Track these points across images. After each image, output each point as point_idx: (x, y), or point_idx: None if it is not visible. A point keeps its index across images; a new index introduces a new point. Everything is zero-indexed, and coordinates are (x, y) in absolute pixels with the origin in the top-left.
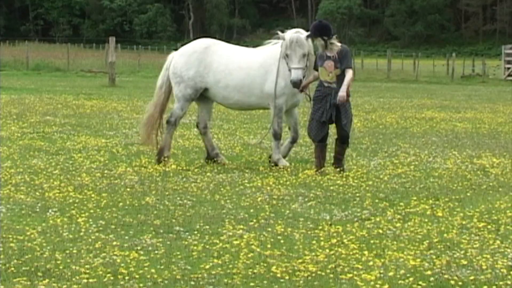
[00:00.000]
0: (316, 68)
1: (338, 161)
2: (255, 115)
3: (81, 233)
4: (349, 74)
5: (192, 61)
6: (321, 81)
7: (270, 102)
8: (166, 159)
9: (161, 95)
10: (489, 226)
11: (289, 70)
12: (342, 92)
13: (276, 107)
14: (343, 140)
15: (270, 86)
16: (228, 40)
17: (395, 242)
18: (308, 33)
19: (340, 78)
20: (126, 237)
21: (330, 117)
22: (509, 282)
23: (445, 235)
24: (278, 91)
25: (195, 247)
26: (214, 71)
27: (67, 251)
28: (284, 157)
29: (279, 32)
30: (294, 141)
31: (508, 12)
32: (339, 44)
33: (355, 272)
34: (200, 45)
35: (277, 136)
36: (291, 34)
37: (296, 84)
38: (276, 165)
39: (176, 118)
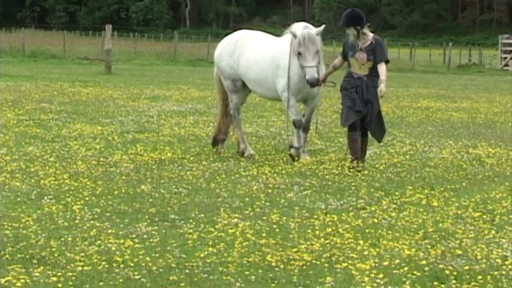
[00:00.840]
0: (345, 59)
1: (357, 153)
2: (251, 103)
3: (76, 221)
4: (384, 68)
5: (224, 53)
6: (350, 72)
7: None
8: (241, 152)
9: (216, 83)
10: (484, 216)
11: (303, 68)
12: (385, 88)
13: (284, 100)
14: (363, 133)
15: (278, 81)
16: (224, 28)
17: (390, 232)
18: (323, 26)
19: (371, 70)
20: (121, 225)
21: (361, 107)
22: (503, 272)
23: (440, 225)
24: (283, 86)
25: (190, 236)
26: (240, 64)
27: (62, 239)
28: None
29: (290, 29)
30: (304, 130)
31: (505, 1)
32: (371, 34)
33: (350, 261)
34: (234, 37)
35: (296, 124)
36: (301, 30)
37: (313, 83)
38: (293, 158)
39: (233, 110)
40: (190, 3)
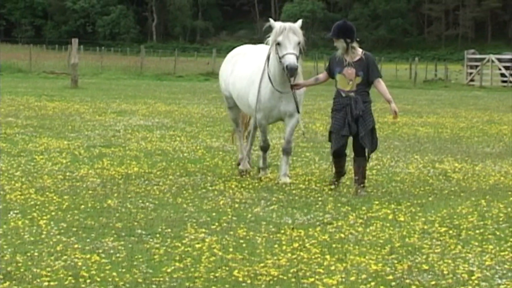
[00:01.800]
0: (331, 76)
1: (357, 180)
2: (217, 118)
3: (43, 236)
4: (384, 85)
5: (222, 70)
6: (338, 90)
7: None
8: (238, 162)
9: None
10: (450, 231)
11: (281, 57)
12: (396, 108)
13: (256, 122)
14: (357, 153)
15: (251, 98)
16: (191, 42)
17: (357, 247)
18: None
19: (360, 86)
20: (88, 240)
21: (350, 130)
22: (469, 287)
23: (406, 240)
24: (257, 106)
25: (157, 250)
26: (230, 81)
27: (28, 254)
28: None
29: (270, 19)
30: (285, 152)
31: (471, 17)
32: (360, 50)
33: (316, 277)
34: (232, 53)
35: (262, 149)
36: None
37: (292, 70)
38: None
39: (231, 122)
40: (157, 18)
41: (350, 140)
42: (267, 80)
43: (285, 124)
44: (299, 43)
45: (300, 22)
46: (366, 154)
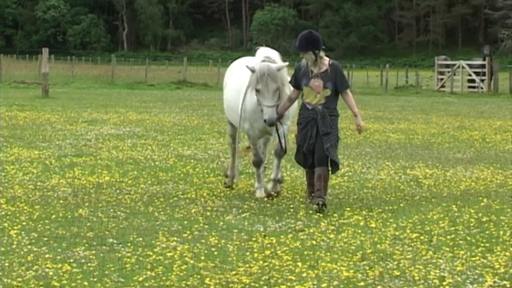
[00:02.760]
0: (299, 89)
1: (317, 191)
2: (189, 126)
3: (13, 246)
4: (351, 97)
5: (223, 83)
6: (303, 103)
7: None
8: (224, 175)
9: None
10: (421, 237)
11: (261, 107)
12: (362, 123)
13: (246, 133)
14: (320, 162)
15: (239, 110)
16: (162, 50)
17: (328, 253)
18: (286, 63)
19: (328, 98)
20: (59, 250)
21: (313, 145)
22: None
23: (378, 246)
24: (241, 115)
25: (128, 259)
26: (224, 94)
27: None
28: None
29: (247, 66)
30: (275, 153)
31: (441, 23)
32: (327, 59)
33: (288, 284)
34: (230, 66)
35: (254, 164)
36: (260, 63)
37: (271, 124)
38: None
39: (228, 137)
40: (128, 26)
41: None
42: (250, 96)
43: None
44: (277, 89)
45: (284, 64)
46: (329, 166)
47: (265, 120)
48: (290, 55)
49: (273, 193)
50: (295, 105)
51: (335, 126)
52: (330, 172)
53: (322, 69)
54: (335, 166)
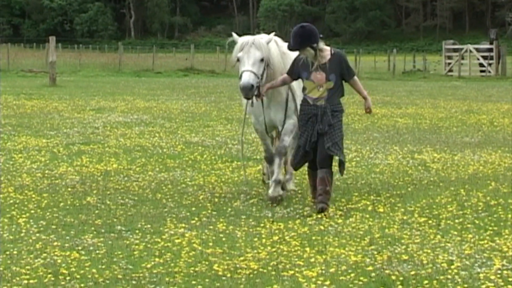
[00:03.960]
0: (294, 78)
1: (319, 195)
2: (197, 113)
3: (22, 234)
4: (359, 83)
5: None
6: (305, 97)
7: None
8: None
9: None
10: (430, 221)
11: (240, 75)
12: (371, 105)
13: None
14: (322, 164)
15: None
16: (170, 38)
17: (336, 238)
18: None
19: (332, 92)
20: (67, 237)
21: (311, 145)
22: (449, 277)
23: (386, 230)
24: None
25: (136, 246)
26: None
27: (8, 252)
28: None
29: (234, 34)
30: (276, 151)
31: (448, 7)
32: (328, 48)
33: (296, 269)
34: None
35: (266, 160)
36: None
37: (245, 89)
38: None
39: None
40: (135, 14)
41: None
42: None
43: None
44: (262, 60)
45: (271, 35)
46: (337, 166)
47: (239, 86)
48: None
49: (277, 196)
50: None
51: (339, 122)
52: (339, 173)
53: (324, 60)
54: (341, 165)
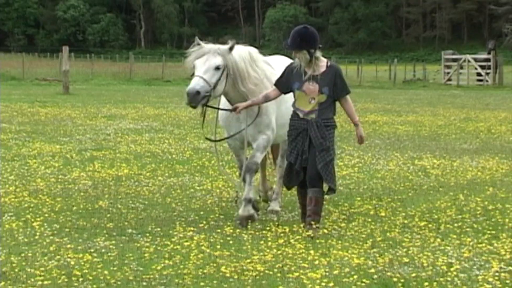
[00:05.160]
0: (284, 91)
1: (308, 216)
2: (205, 120)
3: (36, 237)
4: (351, 105)
5: None
6: (295, 110)
7: None
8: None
9: None
10: (430, 225)
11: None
12: (363, 133)
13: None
14: (312, 183)
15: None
16: (178, 48)
17: (339, 242)
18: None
19: (323, 105)
20: (80, 240)
21: (302, 163)
22: (449, 279)
23: (388, 234)
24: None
25: (147, 249)
26: None
27: (23, 254)
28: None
29: (199, 41)
30: (246, 168)
31: (447, 19)
32: (325, 60)
33: (301, 271)
34: None
35: (241, 177)
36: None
37: (190, 95)
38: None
39: None
40: (145, 25)
41: None
42: (224, 100)
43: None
44: (218, 67)
45: (231, 44)
46: (324, 187)
47: (186, 92)
48: None
49: (247, 216)
50: (290, 112)
51: (331, 140)
52: (324, 194)
53: (319, 71)
54: (331, 189)
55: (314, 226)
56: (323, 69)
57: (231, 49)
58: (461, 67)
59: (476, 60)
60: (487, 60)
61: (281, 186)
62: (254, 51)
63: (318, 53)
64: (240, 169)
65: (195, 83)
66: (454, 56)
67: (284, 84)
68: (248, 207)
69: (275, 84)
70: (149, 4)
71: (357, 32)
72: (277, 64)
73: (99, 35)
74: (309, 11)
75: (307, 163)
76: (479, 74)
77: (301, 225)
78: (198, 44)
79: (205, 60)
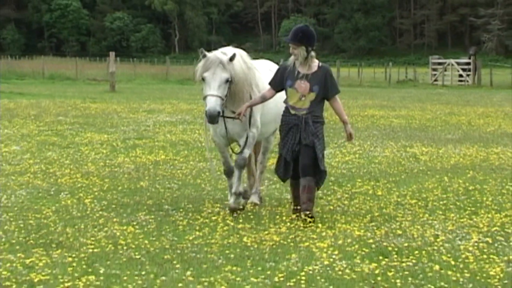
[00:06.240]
0: (277, 90)
1: (303, 203)
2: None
3: (87, 212)
4: (340, 104)
5: None
6: (287, 106)
7: None
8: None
9: None
10: (419, 203)
11: (204, 98)
12: (351, 130)
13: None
14: (304, 172)
15: None
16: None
17: (343, 216)
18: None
19: (314, 103)
20: (124, 215)
21: (293, 155)
22: (435, 248)
23: (384, 210)
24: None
25: (180, 222)
26: None
27: (76, 227)
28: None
29: (203, 50)
30: (235, 164)
31: (434, 29)
32: (317, 61)
33: (310, 241)
34: None
35: (224, 173)
36: (214, 52)
37: (212, 116)
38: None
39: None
40: (179, 34)
41: None
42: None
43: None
44: (227, 81)
45: (237, 50)
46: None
47: (206, 112)
48: None
49: (237, 207)
50: (273, 111)
51: (320, 134)
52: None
53: (311, 70)
54: (322, 177)
55: (308, 214)
56: (314, 69)
57: (231, 59)
58: (446, 70)
59: (458, 63)
60: (468, 63)
61: (262, 181)
62: (244, 54)
63: (313, 53)
64: (224, 165)
65: (215, 104)
66: (439, 60)
67: (277, 82)
68: (238, 200)
69: (269, 84)
70: (182, 16)
71: (358, 40)
72: (263, 68)
73: (140, 42)
74: (317, 22)
75: (296, 155)
76: (461, 76)
77: (293, 216)
78: (204, 56)
79: (213, 73)
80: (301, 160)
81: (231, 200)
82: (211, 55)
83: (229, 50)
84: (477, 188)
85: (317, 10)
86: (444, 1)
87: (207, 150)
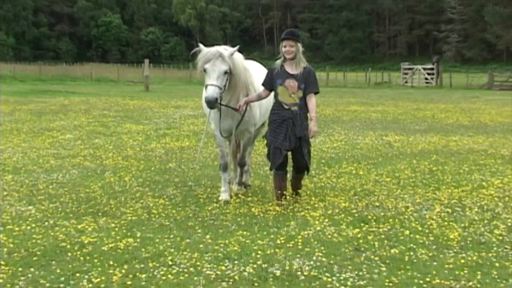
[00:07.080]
0: (270, 89)
1: (295, 189)
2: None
3: (127, 187)
4: (314, 101)
5: None
6: (279, 102)
7: None
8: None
9: None
10: (393, 180)
11: (205, 87)
12: (315, 127)
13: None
14: (299, 170)
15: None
16: None
17: (332, 191)
18: (237, 47)
19: (302, 101)
20: (156, 189)
21: (290, 145)
22: (406, 217)
23: (364, 186)
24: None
25: (201, 196)
26: None
27: (118, 199)
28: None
29: (200, 44)
30: (238, 164)
31: (404, 41)
32: (305, 63)
33: (306, 211)
34: None
35: (220, 167)
36: (215, 46)
37: (211, 103)
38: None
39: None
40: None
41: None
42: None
43: (240, 138)
44: (226, 72)
45: (235, 48)
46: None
47: (205, 99)
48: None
49: (241, 189)
50: (264, 109)
51: (307, 130)
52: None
53: (298, 71)
54: (308, 170)
55: (299, 192)
56: (301, 70)
57: (232, 54)
58: (414, 74)
59: (424, 69)
60: (432, 69)
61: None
62: (242, 59)
63: (302, 56)
64: (221, 159)
65: (213, 92)
66: (409, 66)
67: (269, 83)
68: (241, 187)
69: (263, 85)
70: (203, 31)
71: (343, 50)
72: (253, 68)
73: (169, 51)
74: (311, 35)
75: (287, 147)
76: (426, 79)
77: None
78: (200, 50)
79: (213, 65)
80: (298, 160)
81: (234, 187)
82: (212, 48)
83: (229, 48)
84: (439, 168)
85: (310, 26)
86: (413, 19)
87: (202, 142)
